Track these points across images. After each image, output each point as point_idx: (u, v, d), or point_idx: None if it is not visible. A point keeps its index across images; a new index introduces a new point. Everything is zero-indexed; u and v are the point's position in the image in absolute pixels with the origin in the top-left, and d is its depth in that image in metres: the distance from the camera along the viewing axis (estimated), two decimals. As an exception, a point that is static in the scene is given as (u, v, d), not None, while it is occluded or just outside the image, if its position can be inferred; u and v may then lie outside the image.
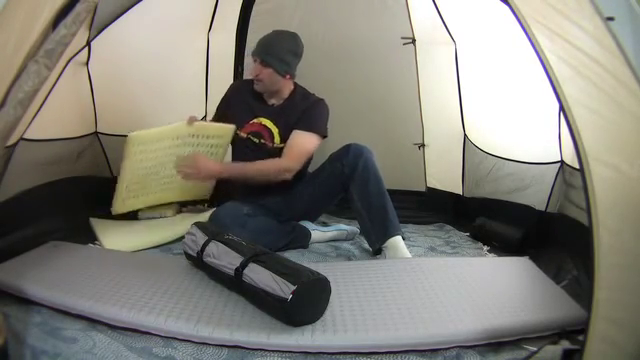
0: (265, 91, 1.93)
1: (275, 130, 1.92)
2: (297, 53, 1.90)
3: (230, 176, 1.88)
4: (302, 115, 1.89)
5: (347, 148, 1.82)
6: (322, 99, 1.95)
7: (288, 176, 1.83)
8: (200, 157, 1.83)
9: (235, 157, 2.05)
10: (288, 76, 1.90)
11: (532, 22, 0.99)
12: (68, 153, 1.97)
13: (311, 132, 1.87)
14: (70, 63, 1.78)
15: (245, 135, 1.95)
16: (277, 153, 1.91)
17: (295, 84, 1.98)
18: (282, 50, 1.86)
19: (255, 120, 1.95)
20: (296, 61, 1.91)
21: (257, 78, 1.88)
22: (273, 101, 1.96)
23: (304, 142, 1.86)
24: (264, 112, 1.95)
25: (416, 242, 2.01)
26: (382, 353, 1.11)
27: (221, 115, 2.06)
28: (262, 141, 1.93)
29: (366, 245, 1.89)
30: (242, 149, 1.97)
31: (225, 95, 2.09)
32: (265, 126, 1.93)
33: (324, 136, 1.90)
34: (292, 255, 1.78)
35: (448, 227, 2.25)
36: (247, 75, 2.51)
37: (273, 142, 1.92)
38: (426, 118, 2.43)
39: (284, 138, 1.91)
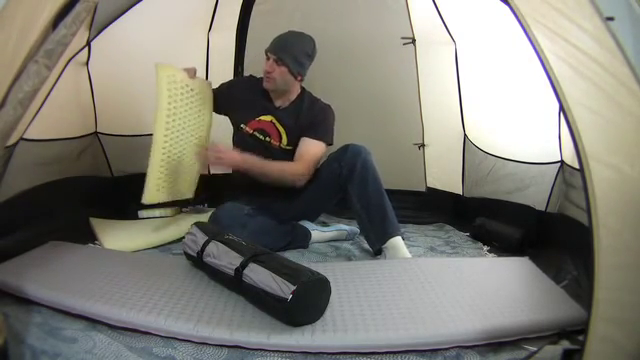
0: (274, 90, 1.92)
1: (283, 131, 1.92)
2: (311, 56, 1.90)
3: (250, 168, 1.80)
4: (312, 122, 1.90)
5: (345, 148, 1.82)
6: (329, 105, 1.96)
7: (301, 183, 1.85)
8: (221, 145, 1.83)
9: None
10: (299, 78, 1.90)
11: (532, 22, 0.99)
12: (68, 153, 1.97)
13: (321, 141, 1.88)
14: (70, 63, 1.78)
15: (251, 131, 1.94)
16: (282, 154, 1.91)
17: (302, 87, 1.98)
18: (298, 50, 1.85)
19: (264, 117, 1.94)
20: (309, 64, 1.91)
21: (269, 75, 1.86)
22: (280, 103, 1.95)
23: (316, 150, 1.87)
24: (272, 112, 1.94)
25: (416, 242, 2.01)
26: (382, 353, 1.11)
27: (221, 104, 2.02)
28: (268, 139, 1.92)
29: (366, 245, 1.89)
30: (245, 145, 1.94)
31: (230, 84, 2.07)
32: (274, 125, 1.93)
33: (330, 144, 1.92)
34: (292, 255, 1.78)
35: (448, 227, 2.25)
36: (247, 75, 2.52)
37: (280, 142, 1.92)
38: (426, 118, 2.44)
39: (291, 141, 1.91)
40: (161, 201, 1.86)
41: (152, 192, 1.77)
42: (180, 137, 1.86)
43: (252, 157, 1.82)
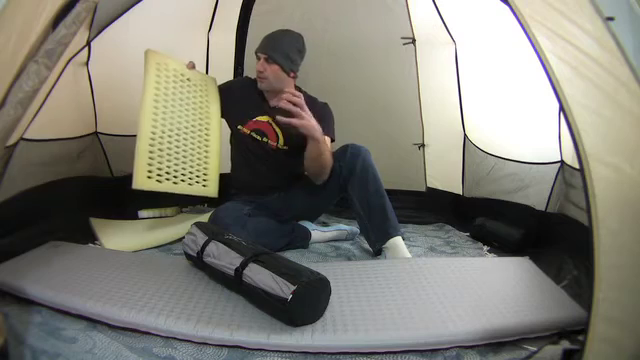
0: (269, 89, 1.91)
1: (280, 131, 1.92)
2: (302, 52, 1.89)
3: (319, 139, 1.67)
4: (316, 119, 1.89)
5: (345, 148, 1.82)
6: (326, 103, 1.96)
7: (326, 176, 1.80)
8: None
9: (234, 154, 2.04)
10: (292, 75, 1.89)
11: (532, 22, 0.99)
12: (68, 153, 1.97)
13: (328, 137, 1.87)
14: (70, 63, 1.78)
15: (248, 132, 1.94)
16: (279, 154, 1.91)
17: (297, 87, 1.97)
18: (288, 47, 1.84)
19: (260, 118, 1.94)
20: (300, 60, 1.90)
21: (262, 75, 1.85)
22: (275, 103, 1.95)
23: (328, 146, 1.82)
24: (268, 112, 1.94)
25: (416, 242, 2.01)
26: (382, 353, 1.11)
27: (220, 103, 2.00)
28: (265, 140, 1.92)
29: (366, 245, 1.89)
30: (242, 146, 1.95)
31: (229, 85, 2.06)
32: (271, 125, 1.93)
33: (333, 140, 1.91)
34: (292, 255, 1.79)
35: (448, 227, 2.25)
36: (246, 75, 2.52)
37: (277, 143, 1.92)
38: (426, 118, 2.44)
39: (287, 142, 1.91)
40: (161, 190, 1.74)
41: (141, 177, 1.68)
42: (178, 126, 1.80)
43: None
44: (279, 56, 1.82)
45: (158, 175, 1.73)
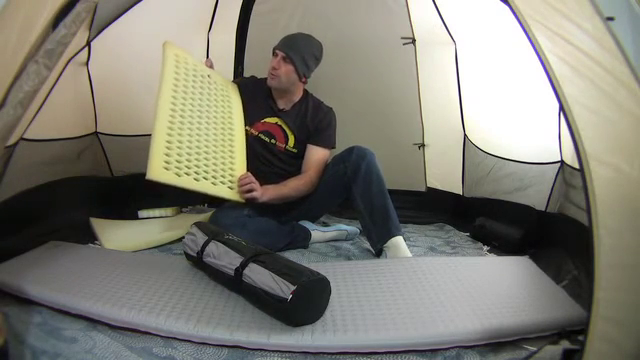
0: (278, 88, 1.92)
1: (290, 133, 1.93)
2: (318, 60, 1.93)
3: (269, 200, 1.78)
4: (318, 128, 1.92)
5: (350, 150, 1.83)
6: (331, 108, 1.98)
7: (312, 190, 1.89)
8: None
9: None
10: (304, 79, 1.91)
11: (532, 22, 0.99)
12: (68, 153, 1.97)
13: (327, 148, 1.92)
14: (70, 63, 1.78)
15: (256, 133, 1.94)
16: (286, 156, 1.92)
17: (305, 90, 1.98)
18: (307, 52, 1.87)
19: (268, 119, 1.94)
20: (314, 67, 1.93)
21: (275, 73, 1.86)
22: (283, 105, 1.96)
23: (324, 158, 1.92)
24: (276, 114, 1.95)
25: (416, 242, 2.01)
26: (382, 353, 1.11)
27: None
28: (273, 141, 1.93)
29: (366, 245, 1.89)
30: (249, 147, 1.95)
31: (237, 84, 2.07)
32: (281, 127, 1.94)
33: (333, 147, 1.95)
34: (292, 255, 1.78)
35: (448, 227, 2.25)
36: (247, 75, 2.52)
37: (286, 145, 1.93)
38: (426, 118, 2.44)
39: (297, 144, 1.93)
40: (179, 185, 1.53)
41: (157, 167, 1.47)
42: (199, 120, 1.70)
43: (266, 189, 1.79)
44: (296, 58, 1.84)
45: (177, 168, 1.53)
